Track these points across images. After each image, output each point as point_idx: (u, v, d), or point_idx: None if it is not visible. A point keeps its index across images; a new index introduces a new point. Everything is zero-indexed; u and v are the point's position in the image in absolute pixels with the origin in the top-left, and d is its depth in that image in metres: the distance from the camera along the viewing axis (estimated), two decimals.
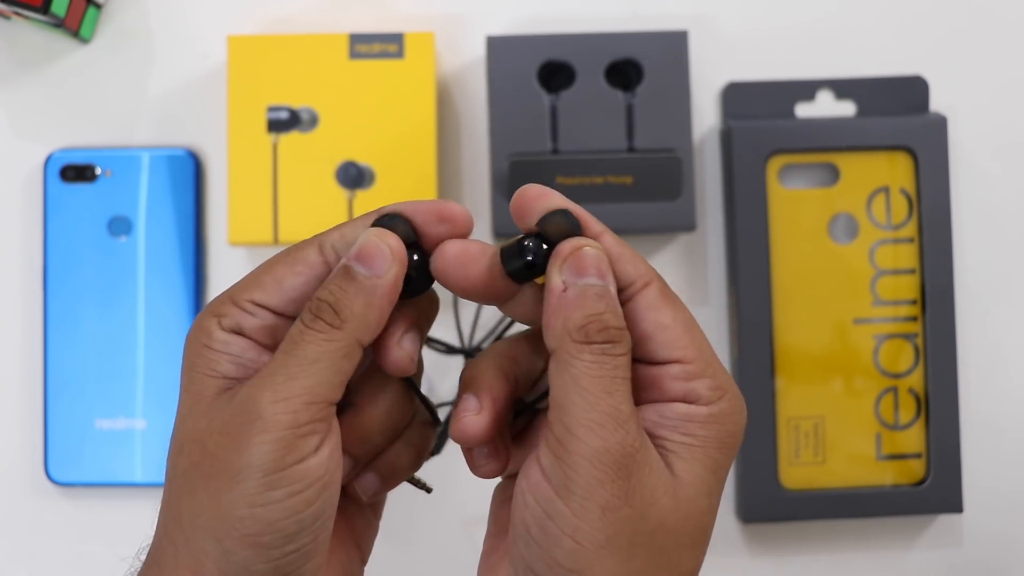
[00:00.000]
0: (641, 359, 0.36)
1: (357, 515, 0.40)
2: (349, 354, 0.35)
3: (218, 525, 0.34)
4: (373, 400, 0.38)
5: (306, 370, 0.34)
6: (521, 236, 0.36)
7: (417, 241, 0.37)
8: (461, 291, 0.37)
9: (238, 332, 0.36)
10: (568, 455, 0.34)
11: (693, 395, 0.35)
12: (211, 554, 0.34)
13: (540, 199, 0.37)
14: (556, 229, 0.36)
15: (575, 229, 0.36)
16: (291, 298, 0.36)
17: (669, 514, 0.34)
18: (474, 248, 0.37)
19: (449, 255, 0.36)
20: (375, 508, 0.41)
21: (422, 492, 0.43)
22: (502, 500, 0.39)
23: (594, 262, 0.35)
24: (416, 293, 0.37)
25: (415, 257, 0.37)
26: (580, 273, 0.35)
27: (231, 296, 0.37)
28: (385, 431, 0.39)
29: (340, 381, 0.35)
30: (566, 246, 0.36)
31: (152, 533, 0.37)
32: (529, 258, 0.36)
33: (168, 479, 0.36)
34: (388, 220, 0.37)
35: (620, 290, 0.36)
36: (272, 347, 0.36)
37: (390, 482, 0.40)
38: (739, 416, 0.36)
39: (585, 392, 0.34)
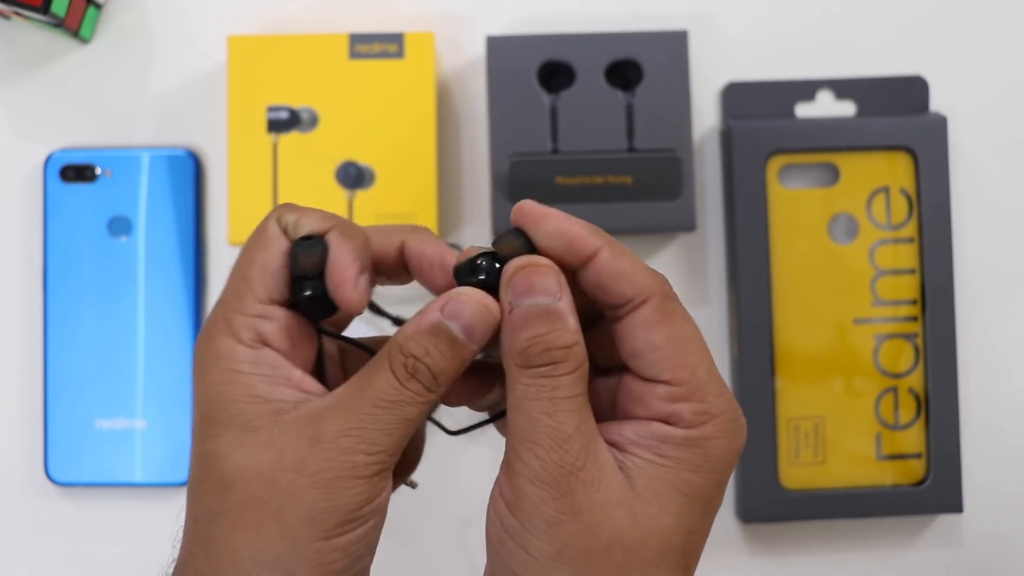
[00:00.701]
0: (634, 373, 0.36)
1: None
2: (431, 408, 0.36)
3: (290, 558, 0.34)
4: None
5: (400, 428, 0.35)
6: (476, 254, 0.36)
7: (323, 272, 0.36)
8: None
9: (263, 342, 0.36)
10: (514, 475, 0.34)
11: (675, 417, 0.35)
12: None
13: (540, 220, 0.36)
14: (508, 249, 0.36)
15: (527, 249, 0.36)
16: (286, 280, 0.36)
17: (626, 530, 0.34)
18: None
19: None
20: None
21: (419, 495, 0.43)
22: None
23: (539, 280, 0.35)
24: (317, 319, 0.37)
25: (318, 285, 0.36)
26: (522, 293, 0.35)
27: (231, 308, 0.36)
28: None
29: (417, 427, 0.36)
30: (511, 266, 0.36)
31: (173, 563, 0.36)
32: (481, 276, 0.36)
33: (208, 513, 0.35)
34: (309, 244, 0.36)
35: (617, 307, 0.36)
36: (291, 352, 0.36)
37: (395, 483, 0.40)
38: (727, 441, 0.35)
39: (525, 414, 0.34)
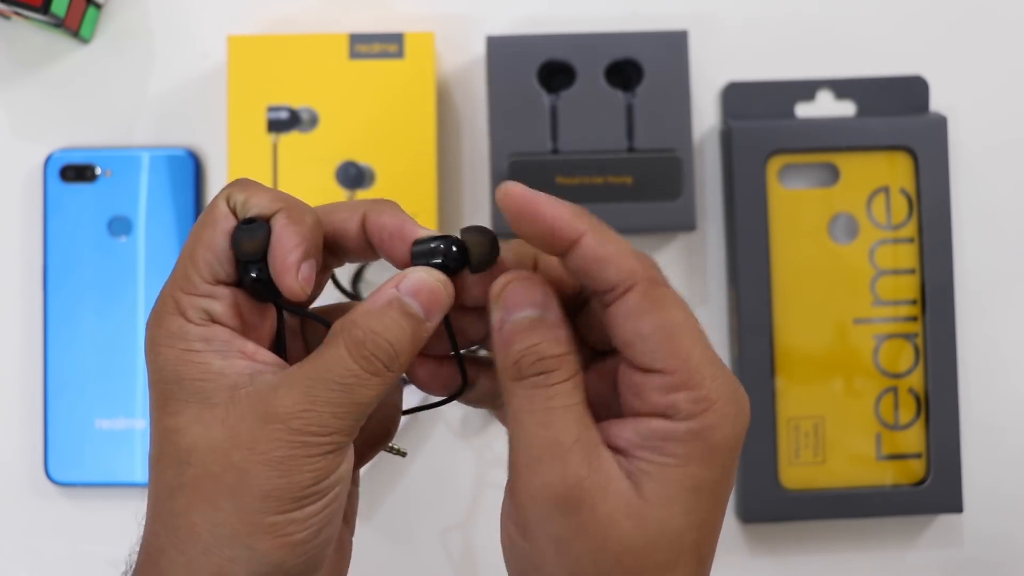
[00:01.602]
0: (629, 364, 0.35)
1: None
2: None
3: (249, 531, 0.34)
4: None
5: (352, 411, 0.34)
6: (433, 237, 0.36)
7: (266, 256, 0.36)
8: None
9: (212, 321, 0.35)
10: (516, 493, 0.34)
11: (672, 409, 0.34)
12: (241, 559, 0.34)
13: (525, 208, 0.35)
14: (475, 245, 0.36)
15: (493, 249, 0.36)
16: (231, 260, 0.36)
17: (635, 539, 0.33)
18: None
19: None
20: (355, 481, 0.40)
21: (418, 493, 0.43)
22: None
23: (524, 294, 0.35)
24: (264, 300, 0.37)
25: (263, 268, 0.36)
26: (512, 308, 0.35)
27: (179, 287, 0.36)
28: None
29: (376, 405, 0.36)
30: (497, 284, 0.36)
31: (140, 540, 0.36)
32: (437, 260, 0.36)
33: (166, 489, 0.35)
34: (251, 228, 0.36)
35: (603, 293, 0.35)
36: (242, 328, 0.36)
37: (368, 455, 0.40)
38: (729, 428, 0.34)
39: (522, 429, 0.34)
